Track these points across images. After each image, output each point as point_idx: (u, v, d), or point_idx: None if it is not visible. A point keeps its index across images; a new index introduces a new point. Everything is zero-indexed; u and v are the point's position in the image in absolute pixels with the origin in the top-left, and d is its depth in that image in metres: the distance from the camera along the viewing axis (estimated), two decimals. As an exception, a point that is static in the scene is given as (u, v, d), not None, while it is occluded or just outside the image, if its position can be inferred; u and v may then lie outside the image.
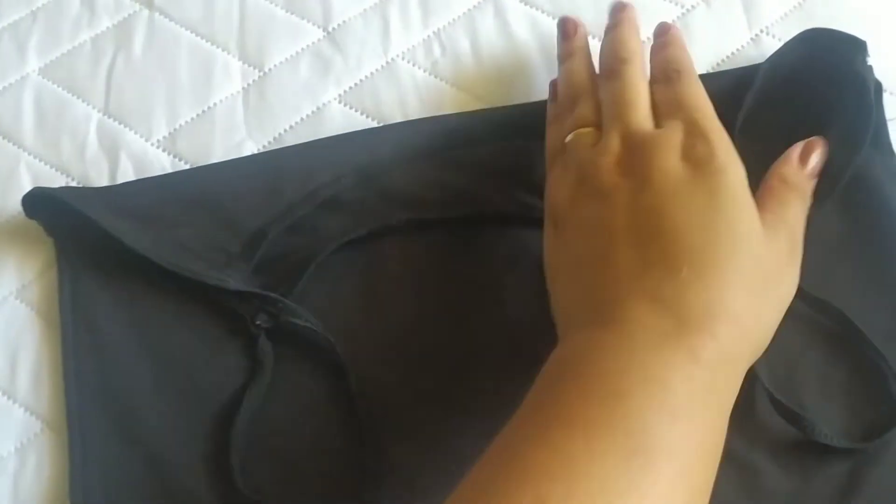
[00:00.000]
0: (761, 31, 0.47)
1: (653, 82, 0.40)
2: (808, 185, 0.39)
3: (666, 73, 0.40)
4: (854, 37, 0.42)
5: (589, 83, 0.41)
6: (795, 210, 0.38)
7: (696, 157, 0.35)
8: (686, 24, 0.47)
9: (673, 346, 0.32)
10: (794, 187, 0.38)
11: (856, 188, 0.41)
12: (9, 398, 0.42)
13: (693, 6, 0.48)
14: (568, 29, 0.44)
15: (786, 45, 0.45)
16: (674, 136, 0.36)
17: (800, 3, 0.47)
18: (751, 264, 0.34)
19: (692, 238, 0.34)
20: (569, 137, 0.39)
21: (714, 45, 0.47)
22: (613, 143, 0.37)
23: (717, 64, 0.46)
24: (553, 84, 0.44)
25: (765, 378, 0.38)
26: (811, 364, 0.40)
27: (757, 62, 0.45)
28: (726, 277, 0.33)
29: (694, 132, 0.36)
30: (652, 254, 0.34)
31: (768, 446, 0.38)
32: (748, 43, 0.47)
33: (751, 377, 0.37)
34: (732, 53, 0.46)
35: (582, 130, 0.39)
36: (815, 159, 0.39)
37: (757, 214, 0.36)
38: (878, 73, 0.42)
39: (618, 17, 0.43)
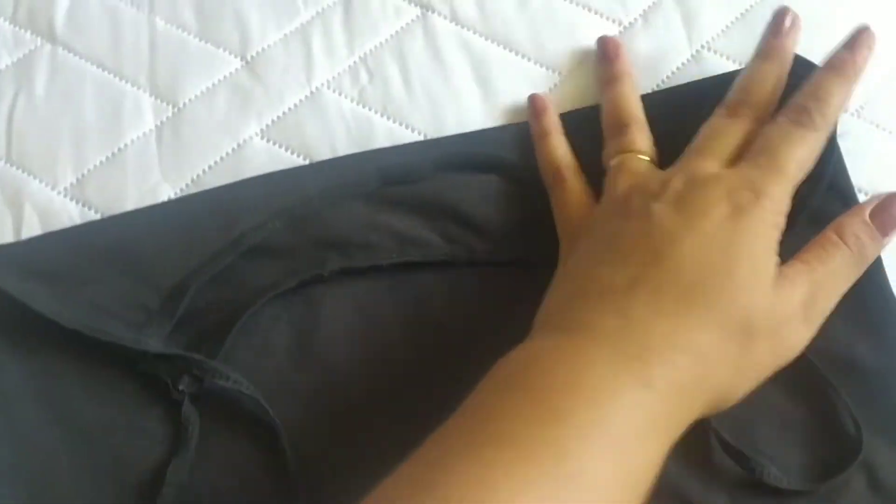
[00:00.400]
0: (702, 47, 0.45)
1: (776, 119, 0.38)
2: (871, 245, 0.36)
3: (798, 118, 0.37)
4: (803, 58, 0.41)
5: (637, 111, 0.41)
6: (835, 268, 0.36)
7: (738, 202, 0.34)
8: (623, 42, 0.45)
9: (630, 368, 0.31)
10: (847, 243, 0.36)
11: (825, 208, 0.40)
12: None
13: (630, 23, 0.46)
14: (609, 50, 0.43)
15: (733, 72, 0.43)
16: (732, 180, 0.35)
17: (741, 15, 0.46)
18: (739, 309, 0.33)
19: (690, 273, 0.33)
20: (616, 160, 0.39)
21: (654, 64, 0.44)
22: (677, 181, 0.36)
23: (659, 83, 0.44)
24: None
25: (714, 418, 0.36)
26: (768, 403, 0.38)
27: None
28: (705, 314, 0.33)
29: (753, 179, 0.35)
30: (646, 276, 0.33)
31: (726, 489, 0.37)
32: (689, 59, 0.44)
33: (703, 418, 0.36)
34: (673, 72, 0.44)
35: (635, 156, 0.39)
36: (882, 228, 0.37)
37: (773, 264, 0.34)
38: None
39: (765, 54, 0.40)
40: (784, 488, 0.36)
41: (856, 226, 0.36)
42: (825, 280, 0.35)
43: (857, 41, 0.39)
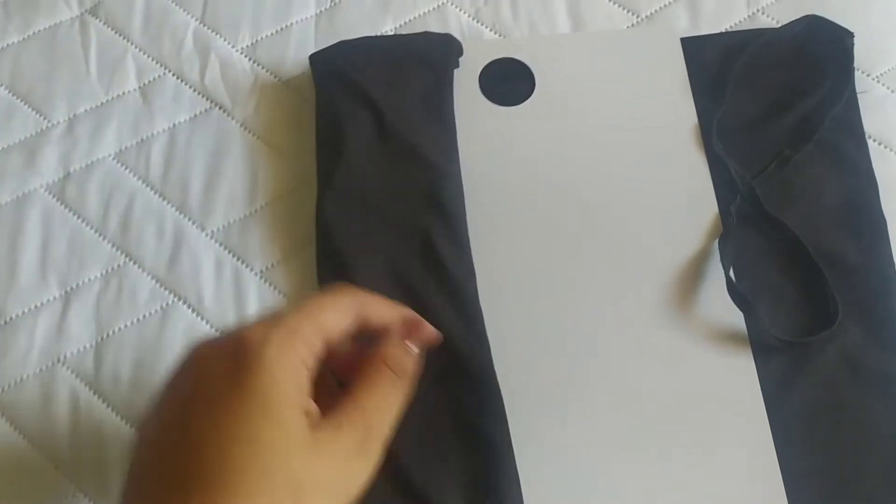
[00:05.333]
0: (757, 11, 0.56)
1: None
2: (411, 363, 0.38)
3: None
4: (844, 28, 0.52)
5: None
6: (386, 396, 0.36)
7: (234, 353, 0.33)
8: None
9: None
10: (395, 371, 0.37)
11: (833, 137, 0.50)
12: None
13: (700, -17, 0.58)
14: None
15: (787, 24, 0.54)
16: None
17: (794, -11, 0.56)
18: (280, 479, 0.31)
19: (209, 452, 0.31)
20: None
21: (714, 18, 0.55)
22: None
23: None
24: None
25: (728, 272, 0.46)
26: (763, 273, 0.48)
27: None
28: (239, 499, 0.30)
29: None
30: (171, 475, 0.31)
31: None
32: (745, 19, 0.55)
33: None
34: (730, 26, 0.55)
35: None
36: (418, 343, 0.39)
37: (299, 419, 0.32)
38: (861, 56, 0.52)
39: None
40: (769, 339, 0.45)
41: (398, 352, 0.37)
42: (377, 410, 0.36)
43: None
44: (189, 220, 0.52)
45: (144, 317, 0.50)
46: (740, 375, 0.46)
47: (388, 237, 0.50)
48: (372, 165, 0.51)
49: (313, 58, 0.55)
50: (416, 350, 0.38)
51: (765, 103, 0.52)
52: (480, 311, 0.48)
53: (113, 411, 0.47)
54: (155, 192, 0.53)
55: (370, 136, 0.52)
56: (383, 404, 0.36)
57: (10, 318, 0.50)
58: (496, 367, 0.46)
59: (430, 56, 0.54)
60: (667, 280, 0.49)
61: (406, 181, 0.51)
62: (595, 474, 0.44)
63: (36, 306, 0.50)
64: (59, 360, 0.49)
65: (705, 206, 0.50)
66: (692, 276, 0.48)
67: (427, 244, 0.49)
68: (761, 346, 0.46)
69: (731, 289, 0.47)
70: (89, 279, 0.51)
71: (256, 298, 0.50)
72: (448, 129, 0.52)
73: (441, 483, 0.44)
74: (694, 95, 0.53)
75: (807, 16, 0.54)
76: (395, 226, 0.50)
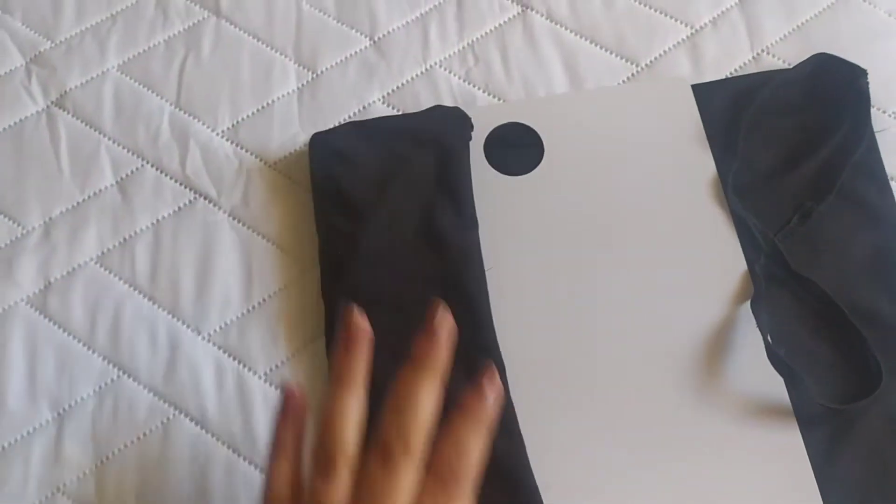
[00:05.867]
0: (762, 51, 0.53)
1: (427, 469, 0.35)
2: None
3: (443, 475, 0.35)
4: (857, 65, 0.49)
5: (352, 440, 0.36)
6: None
7: None
8: (694, 43, 0.53)
9: None
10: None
11: (855, 184, 0.48)
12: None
13: (701, 27, 0.54)
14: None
15: (797, 65, 0.51)
16: None
17: (799, 27, 0.54)
18: None
19: None
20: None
21: (718, 62, 0.53)
22: None
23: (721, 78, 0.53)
24: None
25: (766, 337, 0.44)
26: (798, 337, 0.45)
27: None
28: None
29: None
30: None
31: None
32: (750, 61, 0.53)
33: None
34: (735, 70, 0.53)
35: None
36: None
37: None
38: (875, 92, 0.49)
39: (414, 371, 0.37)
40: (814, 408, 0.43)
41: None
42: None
43: (480, 383, 0.37)
44: (183, 323, 0.49)
45: (145, 434, 0.46)
46: (787, 446, 0.44)
47: (405, 329, 0.47)
48: (385, 255, 0.49)
49: (313, 141, 0.52)
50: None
51: (781, 153, 0.50)
52: (511, 402, 0.45)
53: (121, 545, 0.44)
54: (144, 296, 0.50)
55: (381, 224, 0.49)
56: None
57: (3, 448, 0.46)
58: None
59: (442, 133, 0.51)
60: (698, 351, 0.46)
61: (423, 268, 0.48)
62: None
63: (28, 432, 0.47)
64: (58, 490, 0.45)
65: (732, 266, 0.48)
66: (724, 345, 0.46)
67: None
68: (805, 415, 0.44)
69: (772, 356, 0.44)
70: (82, 398, 0.47)
71: (263, 403, 0.47)
72: (467, 210, 0.49)
73: None
74: (710, 146, 0.51)
75: (816, 55, 0.51)
76: (413, 317, 0.47)
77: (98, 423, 0.47)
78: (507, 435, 0.44)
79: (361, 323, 0.37)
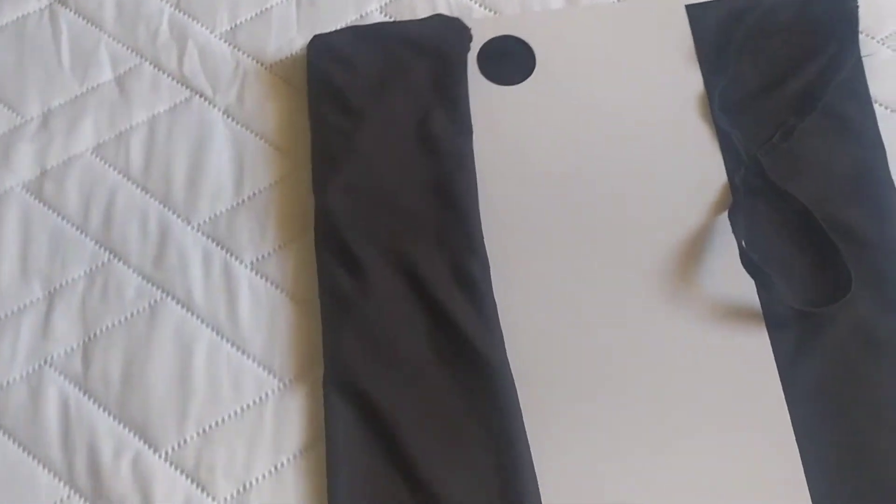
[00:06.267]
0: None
1: None
2: None
3: None
4: None
5: None
6: None
7: None
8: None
9: None
10: None
11: (838, 104, 0.49)
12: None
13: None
14: None
15: None
16: None
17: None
18: None
19: None
20: None
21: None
22: None
23: None
24: None
25: (741, 242, 0.45)
26: (773, 245, 0.47)
27: None
28: None
29: None
30: None
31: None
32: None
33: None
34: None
35: None
36: None
37: None
38: (864, 17, 0.50)
39: None
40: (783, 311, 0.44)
41: None
42: None
43: None
44: (174, 213, 0.50)
45: (132, 315, 0.48)
46: (754, 348, 0.45)
47: (396, 228, 0.48)
48: (381, 155, 0.50)
49: (314, 42, 0.53)
50: None
51: (768, 72, 0.51)
52: (494, 303, 0.46)
53: (105, 411, 0.46)
54: (137, 187, 0.51)
55: (378, 125, 0.50)
56: None
57: (-8, 322, 0.49)
58: (508, 353, 0.45)
59: (442, 42, 0.52)
60: (675, 254, 0.47)
61: (417, 171, 0.49)
62: (609, 455, 0.43)
63: (19, 308, 0.48)
64: (46, 362, 0.47)
65: (714, 179, 0.49)
66: (701, 250, 0.47)
67: (441, 237, 0.47)
68: (775, 318, 0.45)
69: (745, 259, 0.45)
70: (73, 278, 0.49)
71: (248, 291, 0.48)
72: (463, 118, 0.50)
73: (457, 479, 0.42)
74: (700, 65, 0.52)
75: (802, -22, 0.52)
76: (405, 217, 0.48)
77: (87, 303, 0.48)
78: (490, 332, 0.45)
79: None
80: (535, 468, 0.43)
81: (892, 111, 0.50)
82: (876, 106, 0.50)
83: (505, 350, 0.45)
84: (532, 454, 0.43)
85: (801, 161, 0.49)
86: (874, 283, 0.45)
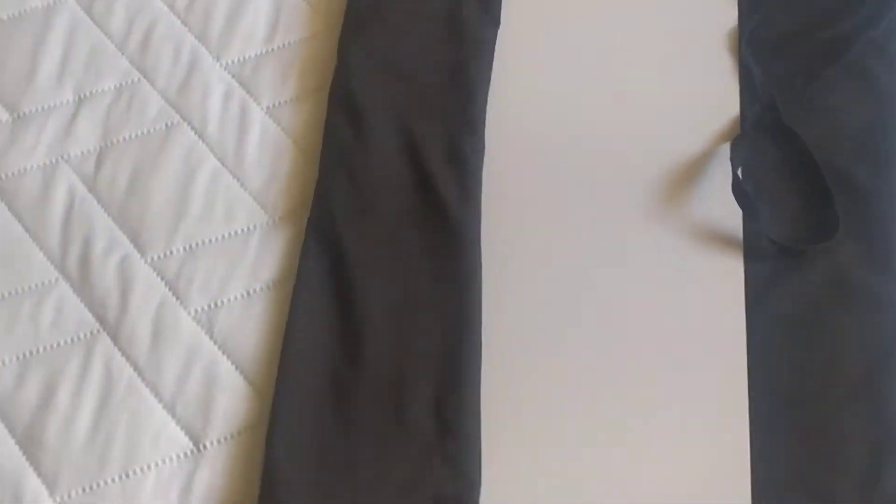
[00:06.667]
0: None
1: None
2: None
3: None
4: None
5: None
6: None
7: None
8: None
9: None
10: None
11: (866, 60, 0.49)
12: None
13: None
14: None
15: None
16: None
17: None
18: None
19: None
20: None
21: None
22: None
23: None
24: None
25: (736, 171, 0.46)
26: (769, 181, 0.47)
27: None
28: None
29: None
30: None
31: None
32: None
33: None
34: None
35: None
36: None
37: None
38: None
39: None
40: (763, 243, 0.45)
41: None
42: None
43: None
44: (206, 49, 0.53)
45: (149, 131, 0.51)
46: (727, 274, 0.45)
47: (405, 97, 0.50)
48: (407, 28, 0.51)
49: None
50: None
51: (803, 18, 0.51)
52: (480, 183, 0.48)
53: (105, 212, 0.49)
54: (178, 18, 0.54)
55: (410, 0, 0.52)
56: None
57: (23, 113, 0.51)
58: (494, 256, 0.46)
59: None
60: (672, 175, 0.48)
61: (438, 50, 0.51)
62: (564, 352, 0.44)
63: (50, 106, 0.52)
64: (63, 158, 0.50)
65: (727, 111, 0.49)
66: (697, 174, 0.48)
67: (445, 113, 0.49)
68: (754, 249, 0.46)
69: (736, 186, 0.46)
70: (103, 89, 0.52)
71: (259, 132, 0.50)
72: (493, 9, 0.52)
73: (405, 339, 0.44)
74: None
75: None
76: (415, 89, 0.50)
77: (111, 114, 0.51)
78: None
79: None
80: (509, 372, 0.44)
81: (921, 77, 0.50)
82: (907, 68, 0.49)
83: (479, 229, 0.46)
84: (481, 335, 0.44)
85: (816, 107, 0.49)
86: (861, 235, 0.46)
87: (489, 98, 0.50)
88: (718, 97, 0.49)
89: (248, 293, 0.46)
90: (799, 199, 0.47)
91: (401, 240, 0.46)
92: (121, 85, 0.52)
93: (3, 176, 0.50)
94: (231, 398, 0.44)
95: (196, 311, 0.46)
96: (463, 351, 0.44)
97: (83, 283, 0.47)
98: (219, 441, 0.43)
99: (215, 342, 0.45)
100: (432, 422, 0.43)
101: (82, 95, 0.52)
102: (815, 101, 0.49)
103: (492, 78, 0.50)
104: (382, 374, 0.44)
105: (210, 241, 0.48)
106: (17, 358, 0.45)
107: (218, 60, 0.52)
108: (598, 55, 0.51)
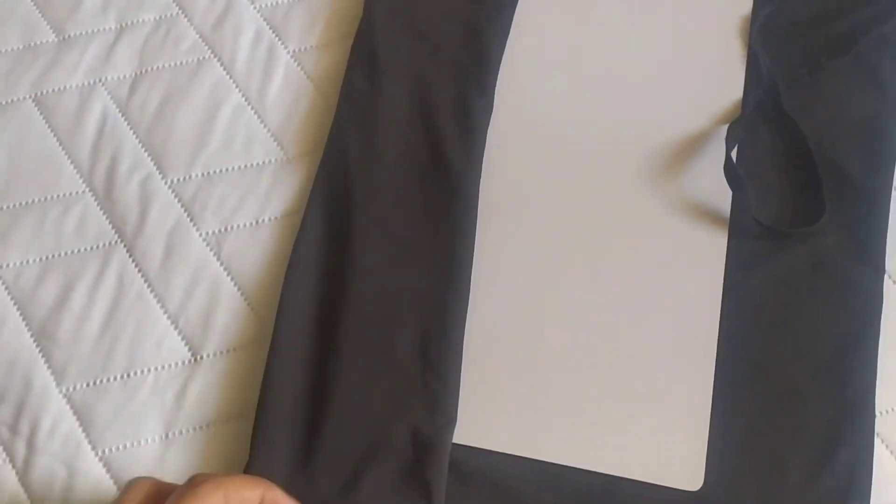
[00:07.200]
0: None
1: None
2: None
3: None
4: None
5: None
6: None
7: None
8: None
9: None
10: None
11: (875, 54, 0.50)
12: None
13: None
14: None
15: None
16: None
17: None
18: None
19: None
20: None
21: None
22: None
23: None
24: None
25: (730, 152, 0.47)
26: (762, 165, 0.48)
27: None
28: None
29: None
30: None
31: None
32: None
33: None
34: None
35: None
36: None
37: None
38: None
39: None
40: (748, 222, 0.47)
41: None
42: None
43: None
44: (243, -10, 0.56)
45: (182, 63, 0.54)
46: (709, 250, 0.47)
47: (422, 52, 0.52)
48: None
49: None
50: None
51: (818, 9, 0.52)
52: (484, 142, 0.50)
53: (134, 134, 0.52)
54: (220, -38, 0.57)
55: None
56: None
57: (68, 36, 0.55)
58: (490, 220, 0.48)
59: None
60: (667, 149, 0.49)
61: (459, 11, 0.53)
62: (544, 308, 0.47)
63: (93, 31, 0.55)
64: (100, 81, 0.54)
65: (730, 92, 0.51)
66: (692, 152, 0.49)
67: (459, 71, 0.51)
68: (739, 228, 0.47)
69: (728, 167, 0.47)
70: (144, 20, 0.55)
71: (283, 73, 0.53)
72: None
73: (393, 280, 0.47)
74: (754, -14, 0.53)
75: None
76: (433, 46, 0.52)
77: (149, 44, 0.55)
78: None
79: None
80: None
81: (927, 78, 0.51)
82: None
83: (478, 185, 0.49)
84: (470, 280, 0.47)
85: (819, 97, 0.50)
86: (845, 224, 0.47)
87: (502, 62, 0.52)
88: (725, 81, 0.51)
89: (257, 222, 0.50)
90: (789, 184, 0.48)
91: (403, 188, 0.49)
92: (160, 17, 0.55)
93: (45, 92, 0.54)
94: (230, 316, 0.48)
95: (207, 233, 0.50)
96: (451, 297, 0.47)
97: (106, 198, 0.51)
98: (215, 354, 0.47)
99: (221, 263, 0.49)
100: (417, 359, 0.46)
101: (124, 24, 0.55)
102: (818, 91, 0.50)
103: (507, 44, 0.53)
104: (373, 311, 0.47)
105: (227, 170, 0.51)
106: (40, 259, 0.49)
107: (252, 3, 0.55)
108: (613, 32, 0.53)
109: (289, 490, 0.39)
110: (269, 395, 0.45)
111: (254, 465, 0.44)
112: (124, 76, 0.54)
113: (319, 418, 0.45)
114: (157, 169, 0.51)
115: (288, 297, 0.47)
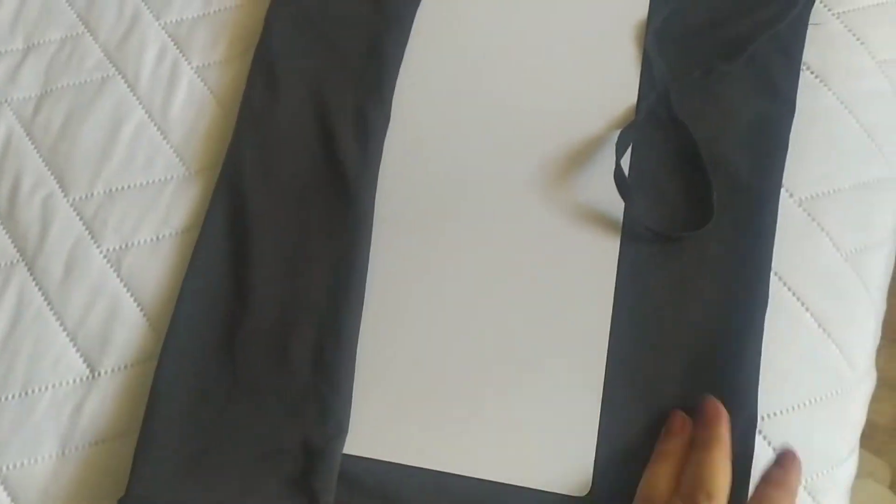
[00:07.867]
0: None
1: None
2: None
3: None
4: None
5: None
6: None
7: None
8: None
9: None
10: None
11: (767, 56, 0.50)
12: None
13: None
14: (674, 425, 0.45)
15: None
16: None
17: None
18: None
19: None
20: None
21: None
22: None
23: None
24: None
25: (619, 159, 0.47)
26: (653, 171, 0.49)
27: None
28: None
29: None
30: None
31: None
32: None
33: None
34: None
35: None
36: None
37: None
38: None
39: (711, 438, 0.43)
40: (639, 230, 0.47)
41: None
42: None
43: (787, 461, 0.43)
44: (148, 8, 0.56)
45: (86, 81, 0.54)
46: (602, 255, 0.48)
47: (322, 62, 0.53)
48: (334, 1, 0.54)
49: None
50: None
51: (714, 12, 0.52)
52: (381, 152, 0.50)
53: (37, 152, 0.52)
54: (125, -22, 0.58)
55: None
56: None
57: (-29, 56, 0.56)
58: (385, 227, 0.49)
59: None
60: (559, 155, 0.50)
61: (358, 22, 0.53)
62: (437, 311, 0.47)
63: (1, 52, 0.56)
64: (5, 101, 0.54)
65: (624, 98, 0.51)
66: (585, 158, 0.50)
67: (358, 81, 0.52)
68: (630, 233, 0.48)
69: (617, 173, 0.48)
70: (50, 40, 0.56)
71: (186, 89, 0.54)
72: None
73: (290, 293, 0.47)
74: (649, -10, 0.54)
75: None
76: (332, 56, 0.53)
77: (54, 63, 0.55)
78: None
79: (684, 422, 0.44)
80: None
81: (819, 80, 0.51)
82: (805, 71, 0.51)
83: (374, 194, 0.49)
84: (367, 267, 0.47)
85: (710, 100, 0.50)
86: (736, 226, 0.47)
87: (401, 71, 0.53)
88: (620, 86, 0.51)
89: (157, 238, 0.50)
90: (680, 188, 0.48)
91: (300, 198, 0.50)
92: (66, 36, 0.56)
93: (-51, 113, 0.54)
94: (129, 332, 0.48)
95: (107, 250, 0.50)
96: (346, 302, 0.47)
97: (9, 217, 0.51)
98: (112, 370, 0.47)
99: (121, 280, 0.49)
100: (310, 368, 0.46)
101: (31, 44, 0.56)
102: (710, 94, 0.50)
103: (405, 53, 0.53)
104: (269, 318, 0.47)
105: (128, 186, 0.51)
106: (-60, 280, 0.50)
107: (157, 19, 0.56)
108: (509, 38, 0.53)
109: (177, 497, 0.40)
110: (158, 402, 0.46)
111: (139, 471, 0.44)
112: (29, 96, 0.54)
113: (212, 425, 0.45)
114: (60, 187, 0.52)
115: (183, 306, 0.48)
